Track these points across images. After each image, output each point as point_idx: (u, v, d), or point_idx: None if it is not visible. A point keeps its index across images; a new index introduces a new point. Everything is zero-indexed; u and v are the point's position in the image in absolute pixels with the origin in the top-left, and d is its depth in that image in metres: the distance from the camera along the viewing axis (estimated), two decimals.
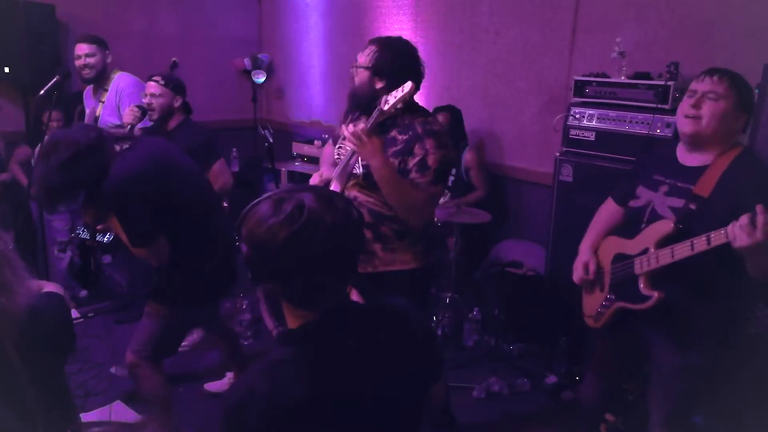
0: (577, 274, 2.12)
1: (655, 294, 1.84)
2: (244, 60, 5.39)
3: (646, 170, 2.00)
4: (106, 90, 3.49)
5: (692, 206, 1.79)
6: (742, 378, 2.26)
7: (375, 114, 2.07)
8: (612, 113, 2.98)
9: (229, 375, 3.05)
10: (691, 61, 2.88)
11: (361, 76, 2.20)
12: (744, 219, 1.54)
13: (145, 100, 3.02)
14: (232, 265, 2.50)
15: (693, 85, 1.86)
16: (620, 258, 1.98)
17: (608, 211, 2.17)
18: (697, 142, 1.85)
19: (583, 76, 3.10)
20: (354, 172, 2.23)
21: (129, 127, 3.06)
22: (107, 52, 3.52)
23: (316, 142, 4.93)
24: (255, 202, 1.18)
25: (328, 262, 1.14)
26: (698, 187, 1.80)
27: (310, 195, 1.15)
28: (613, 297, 2.00)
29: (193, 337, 3.42)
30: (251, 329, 3.61)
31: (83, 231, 2.60)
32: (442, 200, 3.69)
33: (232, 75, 5.49)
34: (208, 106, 5.42)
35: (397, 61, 2.18)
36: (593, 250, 2.12)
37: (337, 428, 1.17)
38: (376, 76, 2.17)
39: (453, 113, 3.79)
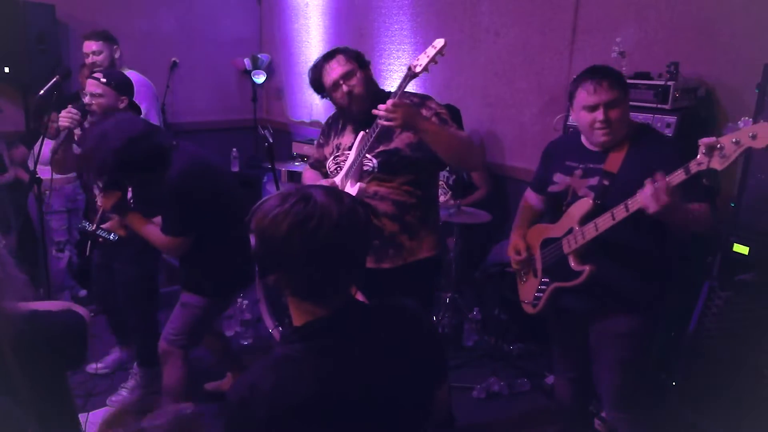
0: (513, 260, 2.25)
1: (587, 267, 1.98)
2: (244, 60, 5.39)
3: (558, 158, 2.16)
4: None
5: (605, 182, 1.95)
6: (742, 378, 2.27)
7: (405, 78, 2.05)
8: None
9: (229, 375, 3.05)
10: (691, 61, 2.88)
11: (354, 85, 2.21)
12: (648, 187, 1.71)
13: (85, 100, 2.72)
14: (250, 258, 2.59)
15: (587, 99, 1.96)
16: (548, 242, 2.11)
17: (529, 200, 2.34)
18: (609, 145, 2.00)
19: None
20: (366, 168, 2.23)
21: (65, 131, 2.73)
22: (115, 47, 3.50)
23: (316, 142, 4.93)
24: (265, 198, 1.22)
25: (334, 254, 1.14)
26: (607, 164, 1.98)
27: (318, 189, 1.18)
28: (547, 280, 2.13)
29: None
30: (251, 329, 3.61)
31: (89, 224, 2.60)
32: (442, 199, 3.69)
33: (232, 75, 5.49)
34: (208, 106, 5.45)
35: (354, 50, 2.27)
36: (521, 236, 2.27)
37: (340, 428, 1.17)
38: (362, 69, 2.22)
39: (453, 112, 3.78)
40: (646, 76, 2.91)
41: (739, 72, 2.78)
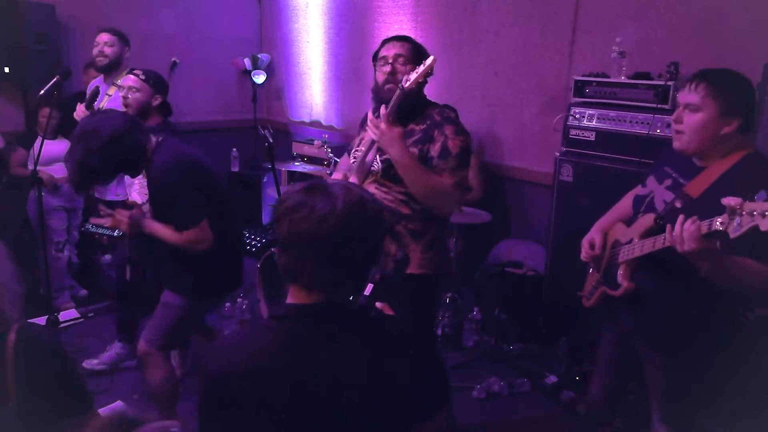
0: (583, 251, 2.10)
1: (625, 283, 1.85)
2: (244, 60, 5.39)
3: (662, 162, 1.96)
4: (116, 85, 3.48)
5: (678, 204, 1.76)
6: (741, 378, 2.27)
7: (396, 95, 2.03)
8: (612, 113, 2.98)
9: None
10: (691, 61, 2.88)
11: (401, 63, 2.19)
12: (677, 226, 1.52)
13: (122, 94, 2.85)
14: (241, 263, 2.60)
15: (679, 95, 1.80)
16: (617, 244, 1.99)
17: (626, 197, 2.14)
18: (686, 155, 1.80)
19: (583, 76, 3.11)
20: (372, 168, 2.22)
21: None
22: (127, 48, 3.53)
23: (316, 142, 4.93)
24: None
25: (308, 245, 1.16)
26: (690, 186, 1.76)
27: (339, 183, 1.22)
28: (602, 280, 2.02)
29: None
30: None
31: (92, 226, 2.59)
32: None
33: (232, 75, 5.49)
34: (208, 106, 5.45)
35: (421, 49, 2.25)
36: (602, 231, 2.10)
37: (263, 415, 1.17)
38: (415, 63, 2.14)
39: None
40: (646, 76, 2.91)
41: (738, 72, 2.78)
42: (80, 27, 4.59)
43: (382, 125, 2.04)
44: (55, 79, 3.01)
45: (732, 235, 1.39)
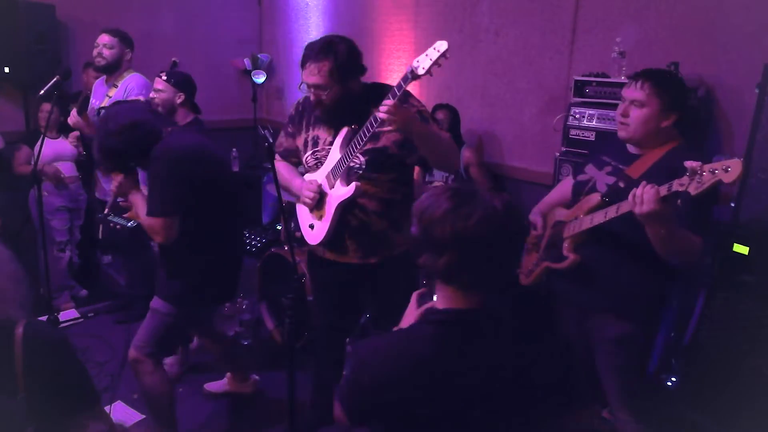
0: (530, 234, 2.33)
1: (572, 255, 2.05)
2: (244, 60, 5.39)
3: (598, 152, 2.22)
4: (116, 86, 3.49)
5: (621, 184, 1.99)
6: (741, 378, 2.27)
7: (406, 80, 1.95)
8: (612, 113, 2.95)
9: (229, 375, 3.05)
10: (691, 61, 2.88)
11: (324, 93, 2.14)
12: (638, 188, 1.72)
13: (151, 95, 3.02)
14: (238, 271, 2.56)
15: (623, 91, 2.04)
16: (558, 224, 2.18)
17: (563, 184, 2.41)
18: (630, 143, 2.06)
19: (583, 76, 3.10)
20: (353, 165, 2.21)
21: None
22: (127, 50, 3.54)
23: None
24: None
25: (478, 244, 1.19)
26: (630, 169, 2.01)
27: (480, 188, 1.26)
28: (543, 256, 2.21)
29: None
30: (251, 329, 3.61)
31: (111, 214, 2.60)
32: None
33: (232, 75, 5.49)
34: (208, 106, 5.43)
35: (350, 56, 2.15)
36: (542, 214, 2.34)
37: (429, 422, 1.21)
38: (342, 83, 2.13)
39: (452, 112, 3.80)
40: None
41: (739, 72, 2.78)
42: (80, 27, 4.59)
43: (400, 111, 1.97)
44: (55, 79, 3.02)
45: (693, 193, 1.60)
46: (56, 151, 3.84)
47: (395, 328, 1.41)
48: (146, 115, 2.32)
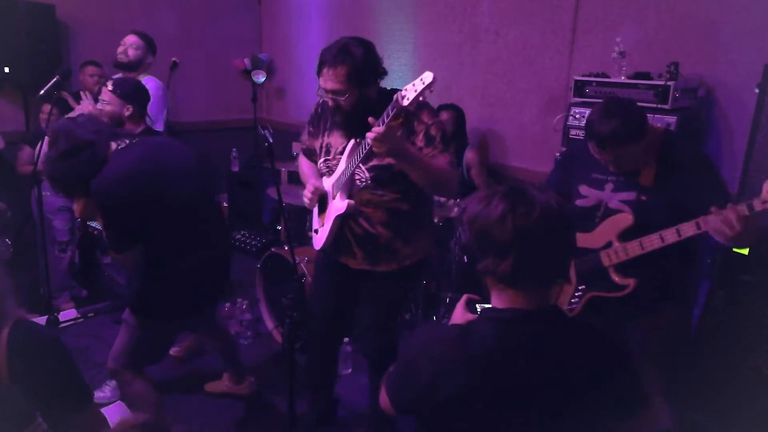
0: None
1: (631, 282, 1.98)
2: (244, 60, 5.39)
3: (581, 169, 2.12)
4: None
5: (643, 197, 1.95)
6: (741, 378, 2.27)
7: (392, 111, 1.89)
8: None
9: (226, 375, 3.05)
10: (691, 61, 2.88)
11: (342, 98, 2.08)
12: (717, 222, 1.70)
13: (98, 106, 2.82)
14: (221, 274, 2.46)
15: (594, 153, 1.97)
16: (581, 252, 2.07)
17: None
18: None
19: (583, 76, 3.10)
20: (357, 180, 2.20)
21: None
22: (150, 54, 3.53)
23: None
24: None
25: (541, 241, 1.18)
26: (643, 178, 1.96)
27: (528, 186, 1.24)
28: (584, 287, 2.10)
29: (184, 344, 3.40)
30: (251, 329, 3.61)
31: (96, 224, 2.58)
32: (443, 199, 3.69)
33: (232, 75, 5.49)
34: (208, 106, 5.46)
35: (368, 60, 2.09)
36: None
37: (485, 420, 1.21)
38: (360, 88, 2.07)
39: (457, 112, 3.80)
40: (646, 76, 2.91)
41: (739, 72, 2.78)
42: (80, 27, 4.59)
43: (387, 139, 1.90)
44: (55, 79, 3.02)
45: None
46: None
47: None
48: (90, 137, 2.06)
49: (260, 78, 5.40)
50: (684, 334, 2.18)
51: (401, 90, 1.84)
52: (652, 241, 1.90)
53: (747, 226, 1.70)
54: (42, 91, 3.02)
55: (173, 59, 4.94)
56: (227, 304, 3.67)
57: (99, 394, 2.91)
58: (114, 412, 2.64)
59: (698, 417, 2.44)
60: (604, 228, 2.03)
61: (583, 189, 2.11)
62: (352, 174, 2.18)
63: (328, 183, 2.32)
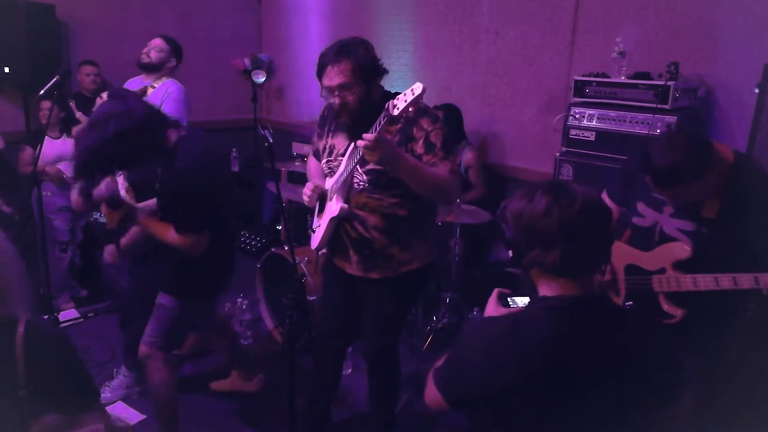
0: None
1: (680, 312, 1.90)
2: (244, 60, 5.39)
3: (640, 185, 1.94)
4: (154, 87, 3.47)
5: (704, 230, 1.83)
6: (741, 378, 2.27)
7: (383, 120, 1.90)
8: (612, 113, 2.98)
9: (234, 374, 3.05)
10: (691, 61, 2.89)
11: (349, 93, 2.07)
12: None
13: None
14: (232, 266, 2.58)
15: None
16: (634, 269, 2.00)
17: None
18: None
19: (583, 76, 3.10)
20: (356, 181, 2.20)
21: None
22: (173, 59, 3.52)
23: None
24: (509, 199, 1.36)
25: (587, 228, 1.25)
26: (706, 209, 1.81)
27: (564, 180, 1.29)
28: (632, 303, 2.02)
29: (187, 342, 3.41)
30: (251, 329, 3.61)
31: (100, 215, 2.59)
32: None
33: (232, 75, 5.49)
34: (208, 106, 5.45)
35: (369, 56, 2.11)
36: None
37: (536, 401, 1.24)
38: (365, 83, 2.07)
39: (451, 112, 3.80)
40: (646, 76, 2.91)
41: (739, 72, 2.79)
42: (80, 27, 4.59)
43: (378, 147, 1.88)
44: (55, 79, 3.02)
45: None
46: (58, 151, 3.84)
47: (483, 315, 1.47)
48: (147, 116, 2.12)
49: (260, 78, 5.40)
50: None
51: (394, 99, 1.85)
52: (707, 282, 1.81)
53: None
54: (42, 91, 3.02)
55: None
56: (227, 304, 3.67)
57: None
58: (115, 412, 2.66)
59: (697, 417, 2.43)
60: (660, 252, 1.94)
61: (641, 207, 2.01)
62: (350, 176, 2.17)
63: (328, 183, 2.33)
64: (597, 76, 3.07)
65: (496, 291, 1.51)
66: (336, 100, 2.10)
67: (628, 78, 2.97)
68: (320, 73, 2.10)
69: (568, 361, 1.24)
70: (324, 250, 2.46)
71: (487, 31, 3.89)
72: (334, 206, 2.22)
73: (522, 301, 1.49)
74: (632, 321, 1.38)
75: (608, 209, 1.33)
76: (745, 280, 1.72)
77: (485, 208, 3.55)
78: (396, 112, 1.83)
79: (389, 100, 1.87)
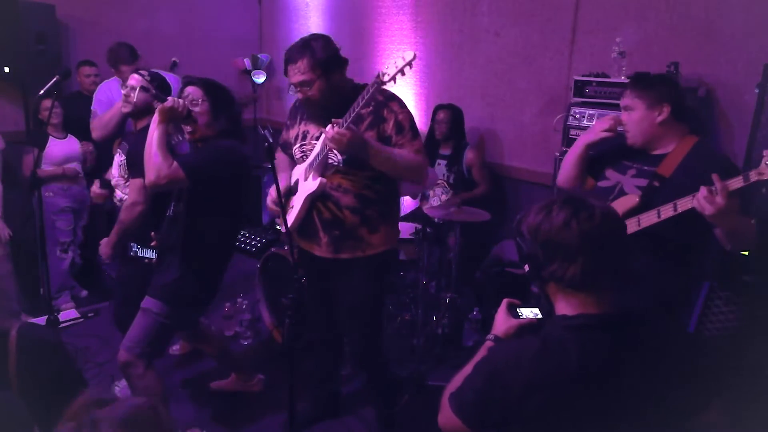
0: None
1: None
2: (244, 60, 5.39)
3: (615, 155, 2.17)
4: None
5: (655, 183, 1.98)
6: (741, 377, 2.27)
7: (372, 88, 1.98)
8: (612, 113, 2.97)
9: (234, 375, 3.05)
10: (691, 61, 2.89)
11: (310, 89, 2.18)
12: (703, 190, 1.71)
13: (124, 92, 2.81)
14: (222, 275, 2.58)
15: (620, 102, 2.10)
16: None
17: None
18: (642, 147, 2.06)
19: (583, 76, 3.11)
20: (330, 162, 2.26)
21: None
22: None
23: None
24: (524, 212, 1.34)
25: (606, 241, 1.22)
26: (661, 168, 2.00)
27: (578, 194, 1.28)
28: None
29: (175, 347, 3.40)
30: (251, 329, 3.61)
31: (140, 248, 2.61)
32: (444, 197, 3.70)
33: (232, 75, 5.49)
34: None
35: (327, 50, 2.19)
36: None
37: (566, 420, 1.22)
38: (325, 76, 2.17)
39: (453, 111, 3.80)
40: None
41: (739, 72, 2.79)
42: (80, 27, 4.59)
43: (345, 137, 2.01)
44: (55, 79, 3.01)
45: None
46: (65, 151, 3.85)
47: (493, 335, 1.46)
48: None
49: (260, 78, 5.40)
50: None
51: (383, 68, 1.95)
52: (649, 217, 1.92)
53: (729, 203, 1.68)
54: (42, 92, 3.02)
55: (173, 59, 4.96)
56: (227, 304, 3.67)
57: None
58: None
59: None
60: (613, 206, 2.03)
61: (609, 172, 2.16)
62: (326, 156, 2.24)
63: (300, 168, 2.38)
64: (597, 76, 3.07)
65: (505, 301, 1.49)
66: (299, 95, 2.24)
67: (628, 78, 2.96)
68: (285, 71, 2.24)
69: (596, 383, 1.22)
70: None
71: (487, 31, 3.89)
72: (312, 183, 2.28)
73: (531, 312, 1.48)
74: (656, 333, 1.34)
75: (624, 222, 1.31)
76: (685, 203, 1.81)
77: (486, 207, 3.54)
78: (386, 79, 1.94)
79: (360, 91, 2.02)
